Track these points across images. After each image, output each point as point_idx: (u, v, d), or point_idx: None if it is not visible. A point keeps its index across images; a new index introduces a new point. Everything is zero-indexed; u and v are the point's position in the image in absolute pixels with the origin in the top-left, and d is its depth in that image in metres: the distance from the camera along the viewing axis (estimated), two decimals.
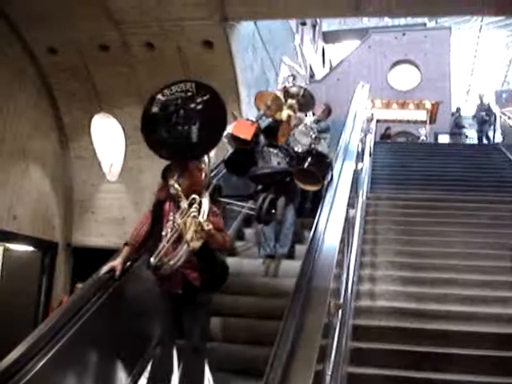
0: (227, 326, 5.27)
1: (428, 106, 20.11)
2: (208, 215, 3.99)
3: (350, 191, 5.94)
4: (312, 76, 24.59)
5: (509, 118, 18.55)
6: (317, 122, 8.11)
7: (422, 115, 20.30)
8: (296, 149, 5.53)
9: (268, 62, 12.53)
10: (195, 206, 3.93)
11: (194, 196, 3.99)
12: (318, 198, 6.01)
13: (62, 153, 10.41)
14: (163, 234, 4.01)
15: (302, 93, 5.78)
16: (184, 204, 3.97)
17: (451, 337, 4.90)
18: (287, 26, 16.53)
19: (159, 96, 4.47)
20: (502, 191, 9.17)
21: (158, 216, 4.24)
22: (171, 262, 3.84)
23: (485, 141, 18.49)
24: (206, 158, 4.79)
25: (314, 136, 5.69)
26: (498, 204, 8.39)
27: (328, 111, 8.75)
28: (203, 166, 4.56)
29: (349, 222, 5.44)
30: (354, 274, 5.50)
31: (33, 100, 9.65)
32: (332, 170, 5.95)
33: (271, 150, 5.69)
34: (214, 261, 4.17)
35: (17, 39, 9.06)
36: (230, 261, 5.78)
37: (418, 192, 9.14)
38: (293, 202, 6.52)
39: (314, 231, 4.71)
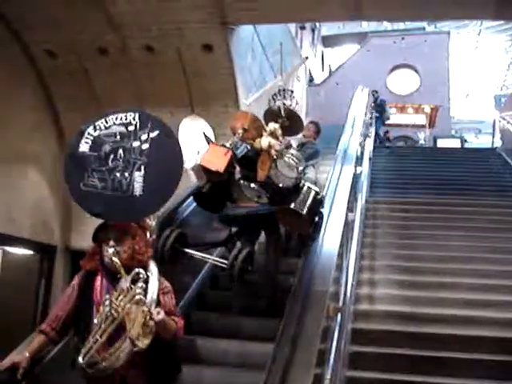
0: None
1: (427, 110, 20.18)
2: (158, 296, 3.12)
3: (349, 195, 5.93)
4: (311, 80, 24.60)
5: (508, 122, 18.55)
6: (302, 145, 6.88)
7: (421, 119, 20.36)
8: (280, 184, 4.37)
9: (267, 65, 12.54)
10: (140, 284, 2.98)
11: (138, 270, 3.02)
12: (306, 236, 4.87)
13: (61, 156, 10.40)
14: (94, 321, 2.98)
15: (286, 114, 4.56)
16: (125, 282, 2.99)
17: (450, 341, 4.89)
18: (286, 30, 16.53)
19: (90, 129, 3.39)
20: (502, 196, 9.16)
21: (86, 294, 3.16)
22: (106, 364, 2.90)
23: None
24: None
25: (300, 168, 4.50)
26: (497, 208, 8.39)
27: (316, 130, 7.38)
28: (148, 221, 3.56)
29: (348, 226, 5.43)
30: (353, 277, 5.49)
31: (31, 103, 9.65)
32: (323, 207, 4.81)
33: (247, 183, 4.60)
34: (163, 353, 3.15)
35: (15, 42, 9.06)
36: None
37: (416, 196, 9.15)
38: (275, 242, 5.23)
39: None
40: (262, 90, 5.28)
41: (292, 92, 4.69)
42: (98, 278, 3.17)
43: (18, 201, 9.02)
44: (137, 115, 3.39)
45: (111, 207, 3.25)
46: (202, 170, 4.24)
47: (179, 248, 4.34)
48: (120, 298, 2.95)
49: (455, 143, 21.58)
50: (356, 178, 7.23)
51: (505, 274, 6.10)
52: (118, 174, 3.26)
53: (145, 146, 3.32)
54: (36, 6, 8.34)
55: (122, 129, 3.36)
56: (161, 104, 9.49)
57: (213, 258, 4.57)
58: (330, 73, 27.97)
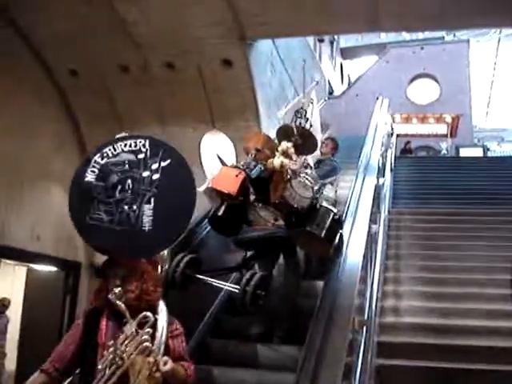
0: None
1: (448, 119, 20.03)
2: (166, 340, 2.90)
3: (372, 206, 5.91)
4: (331, 92, 24.63)
5: None
6: (319, 162, 6.43)
7: (443, 129, 20.22)
8: (295, 205, 4.21)
9: (287, 78, 12.60)
10: (147, 329, 2.77)
11: (144, 313, 2.81)
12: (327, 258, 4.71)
13: None
14: (98, 367, 2.76)
15: (299, 132, 4.38)
16: (131, 327, 2.77)
17: (476, 352, 4.83)
18: (305, 44, 16.60)
19: (97, 157, 3.15)
20: None
21: (91, 334, 2.95)
22: None
23: None
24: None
25: (316, 188, 4.33)
26: None
27: (334, 146, 7.03)
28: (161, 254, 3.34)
29: (371, 238, 5.41)
30: (378, 290, 5.46)
31: (54, 121, 9.78)
32: (342, 228, 4.57)
33: (263, 205, 4.37)
34: None
35: (37, 60, 9.20)
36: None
37: (440, 206, 9.09)
38: (294, 265, 5.13)
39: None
40: (291, 103, 5.18)
41: (306, 111, 4.59)
42: (105, 318, 2.95)
43: (43, 218, 9.12)
44: (147, 142, 3.13)
45: (118, 243, 2.98)
46: (214, 192, 4.11)
47: (191, 274, 4.19)
48: (125, 344, 2.73)
49: (478, 152, 21.38)
50: (378, 189, 7.21)
51: None
52: (125, 207, 2.99)
53: (155, 176, 3.06)
54: (57, 26, 8.47)
55: (131, 157, 3.11)
56: (182, 120, 9.58)
57: (225, 284, 4.31)
58: (350, 84, 27.97)
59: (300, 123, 4.45)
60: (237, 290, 3.92)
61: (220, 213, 4.28)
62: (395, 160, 12.18)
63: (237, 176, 4.03)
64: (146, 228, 2.97)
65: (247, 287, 3.82)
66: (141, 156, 3.10)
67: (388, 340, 5.06)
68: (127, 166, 3.09)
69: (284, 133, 4.42)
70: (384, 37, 28.46)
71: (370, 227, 5.26)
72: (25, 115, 8.74)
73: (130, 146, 3.13)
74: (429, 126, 20.52)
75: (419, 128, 20.41)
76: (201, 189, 4.16)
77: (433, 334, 5.18)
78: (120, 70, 9.39)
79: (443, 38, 27.46)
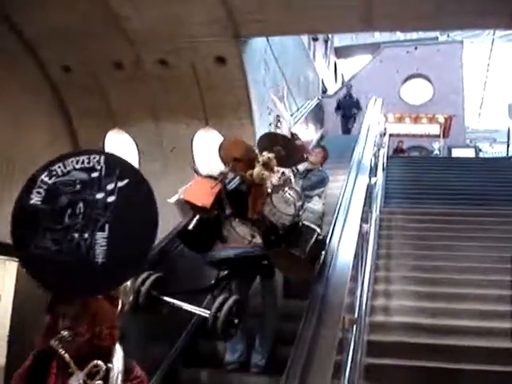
0: None
1: (441, 120, 20.05)
2: None
3: (364, 206, 5.92)
4: (324, 91, 24.62)
5: None
6: (306, 172, 5.93)
7: (435, 129, 20.24)
8: (275, 222, 3.82)
9: (280, 76, 12.59)
10: (98, 382, 2.30)
11: (95, 362, 2.33)
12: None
13: None
14: None
15: (284, 142, 4.03)
16: (78, 378, 2.30)
17: (466, 352, 4.85)
18: (299, 42, 16.60)
19: (44, 176, 2.63)
20: None
21: (39, 380, 2.45)
22: None
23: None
24: None
25: (299, 204, 3.89)
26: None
27: (324, 155, 6.40)
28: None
29: (363, 237, 5.42)
30: (369, 289, 5.47)
31: (47, 116, 9.74)
32: (324, 248, 4.23)
33: (240, 220, 3.94)
34: None
35: (31, 57, 9.16)
36: None
37: (431, 206, 9.11)
38: (272, 287, 4.72)
39: (328, 247, 4.69)
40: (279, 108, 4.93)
41: (279, 117, 4.30)
42: (54, 364, 2.44)
43: None
44: (102, 158, 2.60)
45: (66, 277, 2.46)
46: (187, 205, 3.77)
47: (157, 295, 3.72)
48: None
49: (470, 153, 21.45)
50: (370, 188, 7.22)
51: None
52: (75, 235, 2.46)
53: (110, 199, 2.53)
54: (51, 22, 8.44)
55: (84, 175, 2.59)
56: (175, 116, 9.56)
57: (194, 308, 3.79)
58: (343, 83, 27.97)
59: (292, 134, 4.30)
60: (207, 315, 3.48)
61: (191, 227, 3.93)
62: (387, 159, 12.20)
63: (212, 188, 3.73)
64: (99, 260, 2.43)
65: (219, 313, 3.40)
66: (95, 175, 2.58)
67: (378, 339, 5.07)
68: (79, 186, 2.57)
69: (267, 142, 4.06)
70: (378, 36, 28.48)
71: (361, 226, 5.27)
72: (17, 110, 8.70)
73: (83, 162, 2.61)
74: (421, 126, 20.52)
75: (412, 128, 20.42)
76: (172, 200, 3.93)
77: (423, 333, 5.19)
78: (113, 66, 9.35)
79: (437, 38, 27.52)
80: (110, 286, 2.57)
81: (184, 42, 8.77)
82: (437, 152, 20.53)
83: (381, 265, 6.68)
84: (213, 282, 4.26)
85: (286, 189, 3.87)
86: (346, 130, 17.96)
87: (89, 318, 2.44)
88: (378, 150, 10.40)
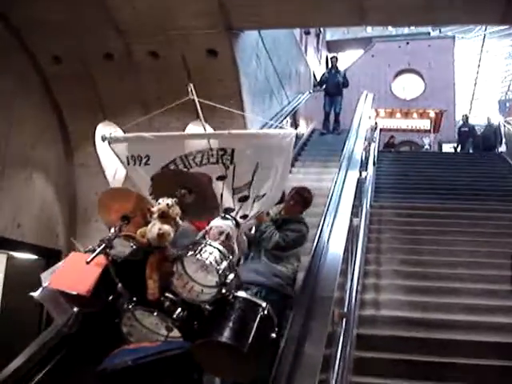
0: None
1: (432, 114, 20.12)
2: None
3: (354, 200, 5.92)
4: (315, 85, 24.60)
5: None
6: (283, 223, 4.48)
7: (426, 124, 20.31)
8: (191, 301, 2.79)
9: (272, 70, 12.56)
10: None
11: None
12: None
13: (66, 161, 10.39)
14: None
15: (190, 183, 2.99)
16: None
17: (456, 346, 4.87)
18: (291, 36, 16.56)
19: None
20: (508, 201, 9.12)
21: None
22: None
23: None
24: None
25: (225, 264, 2.78)
26: (503, 213, 8.35)
27: (303, 200, 4.67)
28: None
29: (353, 231, 5.42)
30: (358, 282, 5.48)
31: (37, 108, 9.65)
32: (275, 331, 2.90)
33: (145, 308, 2.86)
34: None
35: (20, 48, 9.08)
36: None
37: (422, 201, 9.13)
38: None
39: (318, 240, 4.68)
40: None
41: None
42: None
43: (23, 205, 9.03)
44: None
45: None
46: (60, 297, 2.67)
47: None
48: None
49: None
50: (361, 182, 7.23)
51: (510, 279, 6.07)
52: None
53: None
54: (41, 12, 8.36)
55: None
56: (166, 109, 9.51)
57: None
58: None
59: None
60: None
61: (70, 329, 2.88)
62: (378, 154, 12.21)
63: (89, 263, 2.56)
64: None
65: None
66: None
67: (367, 333, 5.09)
68: None
69: (165, 184, 2.95)
70: (370, 31, 28.49)
71: (351, 221, 5.27)
72: (7, 101, 8.62)
73: None
74: (412, 120, 20.59)
75: (403, 123, 20.48)
76: (36, 294, 2.88)
77: (412, 327, 5.21)
78: (104, 57, 9.29)
79: (429, 33, 27.57)
80: None
81: (175, 34, 8.72)
82: (427, 147, 20.60)
83: (371, 259, 6.70)
84: None
85: (203, 245, 2.78)
86: (333, 120, 15.19)
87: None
88: (369, 144, 10.40)
